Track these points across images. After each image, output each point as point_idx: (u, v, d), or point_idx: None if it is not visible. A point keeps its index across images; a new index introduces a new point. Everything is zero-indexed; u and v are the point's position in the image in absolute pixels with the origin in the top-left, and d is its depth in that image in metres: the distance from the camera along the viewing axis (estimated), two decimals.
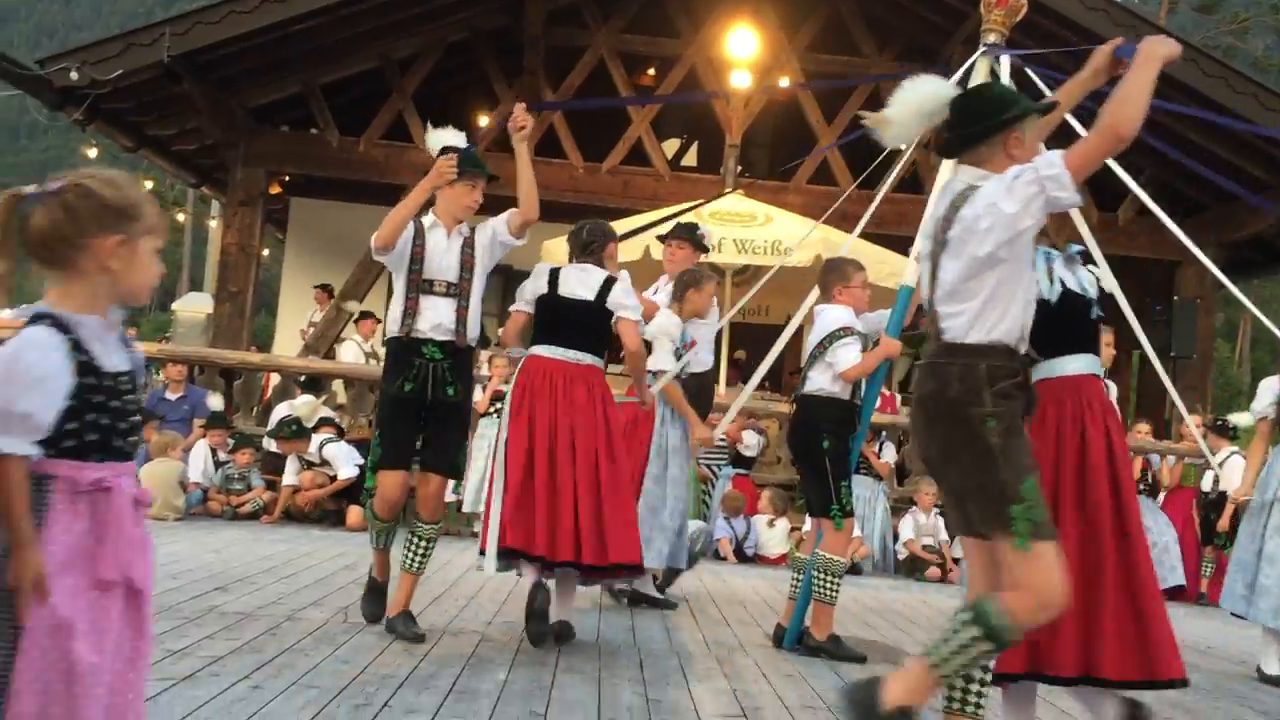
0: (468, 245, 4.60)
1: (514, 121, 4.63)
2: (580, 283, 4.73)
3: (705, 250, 6.39)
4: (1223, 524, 9.13)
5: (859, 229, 6.22)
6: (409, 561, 4.58)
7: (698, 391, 5.93)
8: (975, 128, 3.05)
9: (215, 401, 9.21)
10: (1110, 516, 3.36)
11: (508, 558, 4.46)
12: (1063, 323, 3.51)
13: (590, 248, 4.81)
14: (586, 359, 4.68)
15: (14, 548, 1.84)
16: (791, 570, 5.33)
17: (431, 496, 4.59)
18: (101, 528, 2.02)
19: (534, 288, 4.80)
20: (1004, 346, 2.94)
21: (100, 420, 1.99)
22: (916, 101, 3.16)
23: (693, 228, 6.35)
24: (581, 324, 4.69)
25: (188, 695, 3.27)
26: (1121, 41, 3.37)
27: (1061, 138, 3.43)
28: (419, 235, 4.53)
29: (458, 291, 4.54)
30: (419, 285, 4.51)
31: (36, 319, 1.96)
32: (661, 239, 6.44)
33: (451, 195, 4.60)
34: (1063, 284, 3.55)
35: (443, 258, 4.54)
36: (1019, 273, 2.94)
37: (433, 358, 4.49)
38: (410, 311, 4.48)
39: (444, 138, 4.71)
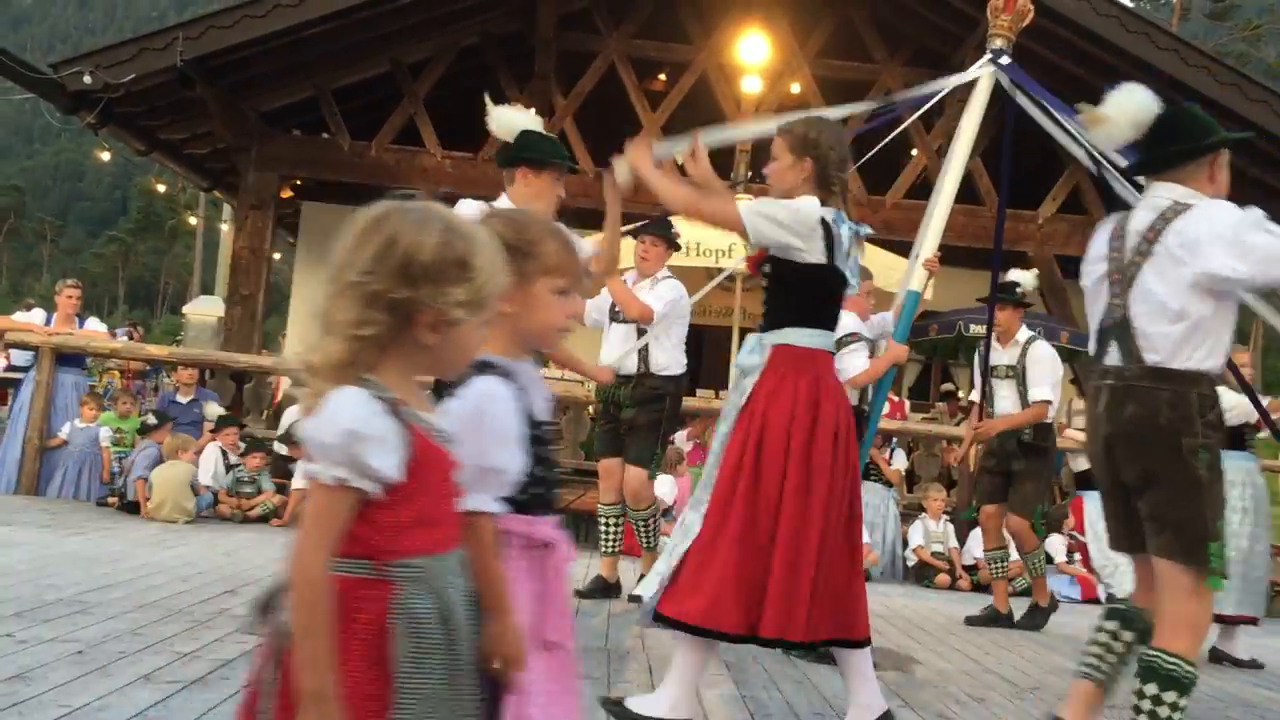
0: None
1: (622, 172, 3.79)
2: None
3: (677, 248, 6.33)
4: None
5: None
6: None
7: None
8: (1184, 146, 3.05)
9: (212, 409, 9.17)
10: (844, 491, 3.34)
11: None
12: (821, 294, 3.43)
13: None
14: None
15: (497, 613, 1.67)
16: None
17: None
18: (546, 587, 1.92)
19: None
20: (1211, 375, 2.92)
21: (542, 472, 1.90)
22: (1132, 109, 3.17)
23: (666, 224, 6.16)
24: None
25: (199, 698, 3.27)
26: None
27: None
28: None
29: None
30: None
31: (483, 368, 1.82)
32: (633, 235, 6.09)
33: (537, 192, 4.24)
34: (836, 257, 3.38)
35: None
36: (1233, 306, 2.94)
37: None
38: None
39: (514, 119, 4.36)
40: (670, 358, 6.03)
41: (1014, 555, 8.36)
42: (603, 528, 6.19)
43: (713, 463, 3.46)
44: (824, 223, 3.34)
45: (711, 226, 3.50)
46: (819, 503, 3.27)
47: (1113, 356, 3.20)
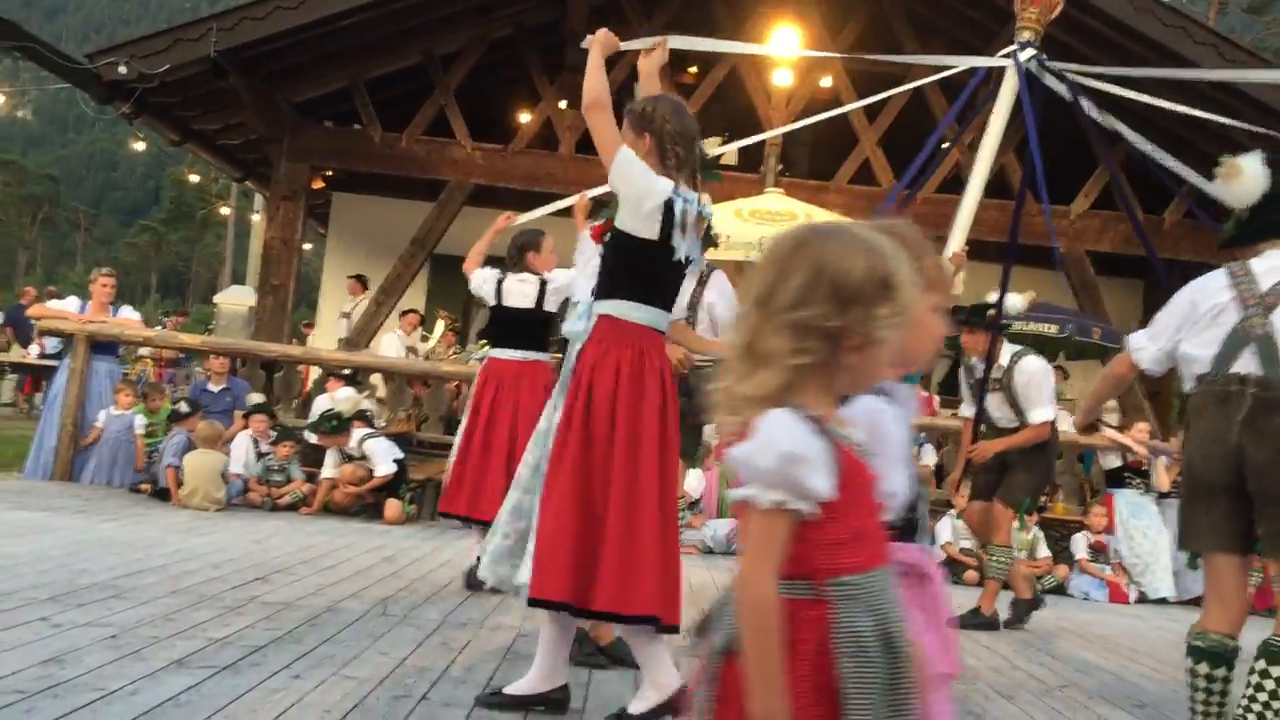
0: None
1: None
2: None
3: (715, 245, 5.89)
4: None
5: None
6: None
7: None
8: None
9: (255, 397, 9.29)
10: (656, 467, 3.33)
11: None
12: (653, 271, 3.42)
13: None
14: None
15: None
16: None
17: None
18: (930, 616, 1.91)
19: None
20: None
21: (914, 497, 1.93)
22: (1259, 177, 3.53)
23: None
24: None
25: (230, 684, 3.30)
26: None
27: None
28: None
29: None
30: None
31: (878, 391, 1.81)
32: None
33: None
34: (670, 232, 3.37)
35: None
36: None
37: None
38: None
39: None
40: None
41: (1016, 554, 8.32)
42: None
43: (546, 431, 3.49)
44: (667, 203, 3.35)
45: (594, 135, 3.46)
46: (648, 477, 3.27)
47: (1246, 365, 3.43)
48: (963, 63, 5.68)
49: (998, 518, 6.31)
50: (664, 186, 3.37)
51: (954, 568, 8.77)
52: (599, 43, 3.71)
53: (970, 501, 6.53)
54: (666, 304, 3.50)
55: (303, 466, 8.74)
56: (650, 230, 3.36)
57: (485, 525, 4.75)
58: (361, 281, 13.68)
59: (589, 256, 4.01)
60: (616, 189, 3.42)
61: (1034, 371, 6.15)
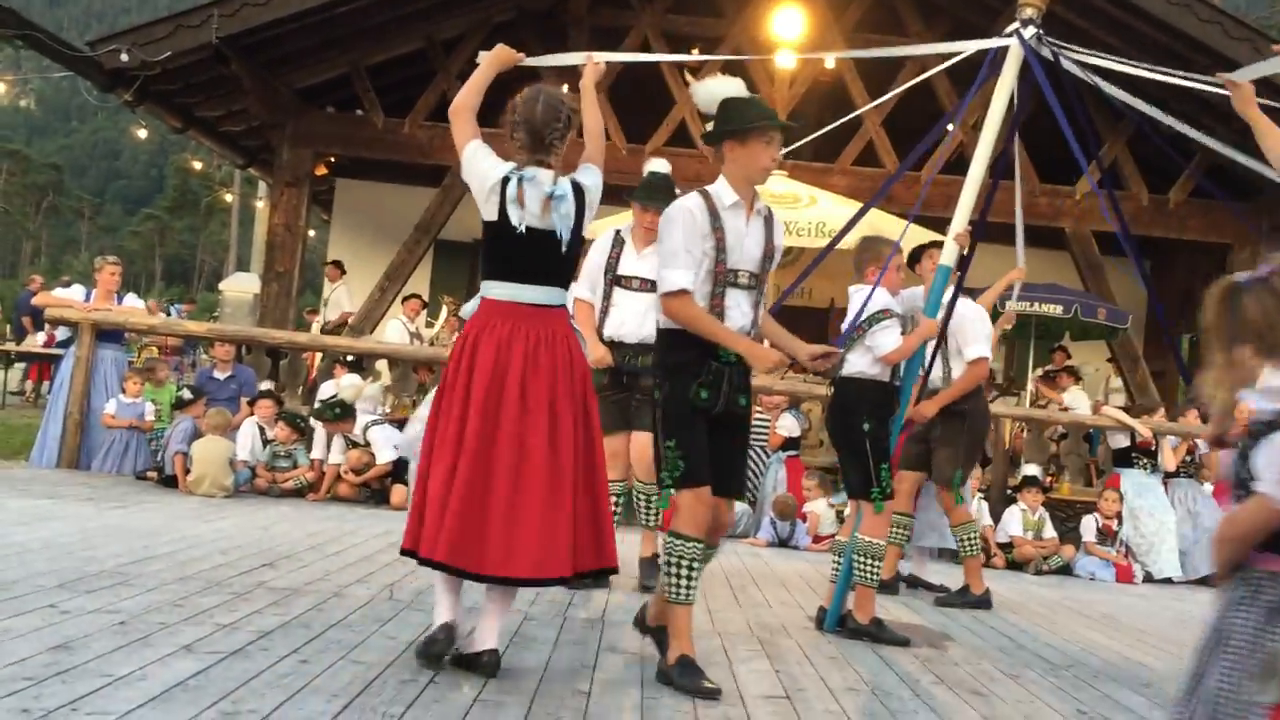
0: (769, 225, 3.97)
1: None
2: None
3: None
4: None
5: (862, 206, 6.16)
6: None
7: None
8: None
9: (265, 386, 9.29)
10: (568, 442, 3.55)
11: None
12: (501, 249, 3.64)
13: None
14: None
15: None
16: (832, 553, 5.32)
17: (722, 523, 3.94)
18: None
19: None
20: None
21: None
22: None
23: (670, 186, 5.55)
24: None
25: (239, 668, 3.31)
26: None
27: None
28: (715, 217, 3.82)
29: (757, 283, 3.92)
30: (724, 278, 3.82)
31: None
32: (637, 200, 5.59)
33: (745, 156, 3.88)
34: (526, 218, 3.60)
35: (743, 243, 3.88)
36: None
37: (727, 362, 3.82)
38: (716, 310, 3.81)
39: (713, 90, 3.97)
40: None
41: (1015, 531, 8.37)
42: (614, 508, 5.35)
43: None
44: (502, 181, 3.62)
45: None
46: (537, 442, 3.49)
47: None
48: (969, 47, 5.63)
49: (941, 500, 6.33)
50: (498, 170, 3.65)
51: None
52: (492, 58, 4.06)
53: (900, 471, 6.25)
54: (547, 280, 3.67)
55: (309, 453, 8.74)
56: (490, 212, 3.64)
57: None
58: (339, 266, 13.71)
59: None
60: (466, 177, 3.76)
61: (969, 313, 6.07)
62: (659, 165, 5.72)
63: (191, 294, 55.13)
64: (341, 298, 13.82)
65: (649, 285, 5.33)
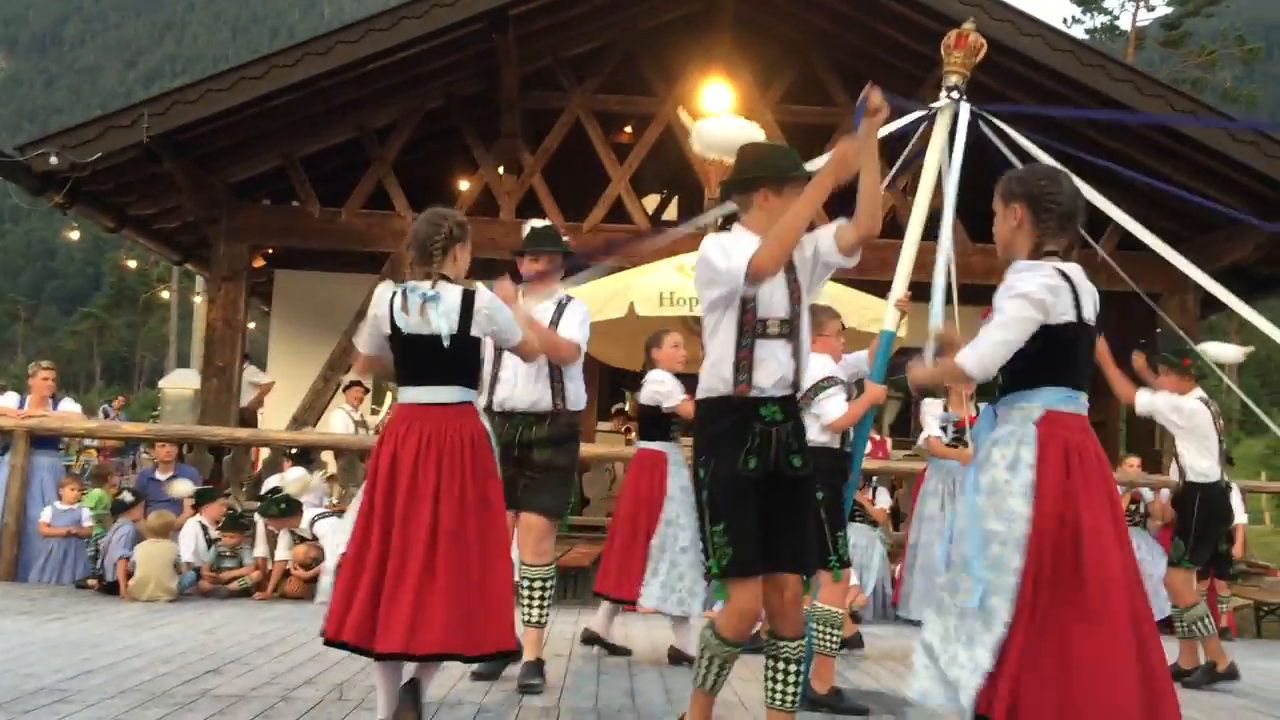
0: (790, 271, 3.72)
1: (871, 105, 4.02)
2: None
3: (570, 254, 5.60)
4: (1236, 552, 9.22)
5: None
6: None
7: None
8: None
9: (182, 487, 8.95)
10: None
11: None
12: (416, 357, 3.92)
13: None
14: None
15: None
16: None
17: (791, 602, 3.62)
18: None
19: None
20: None
21: None
22: None
23: (555, 235, 5.49)
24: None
25: None
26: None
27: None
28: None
29: (791, 330, 3.68)
30: (752, 328, 3.59)
31: None
32: (526, 251, 5.34)
33: (780, 206, 3.73)
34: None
35: (772, 291, 3.66)
36: None
37: (773, 421, 3.60)
38: (745, 362, 3.56)
39: (728, 133, 4.12)
40: (580, 389, 5.28)
41: None
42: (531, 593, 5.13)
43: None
44: (390, 296, 3.92)
45: None
46: (417, 526, 3.75)
47: None
48: (910, 115, 5.76)
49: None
50: (382, 296, 3.97)
51: None
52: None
53: None
54: (439, 379, 3.92)
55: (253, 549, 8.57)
56: (385, 326, 3.95)
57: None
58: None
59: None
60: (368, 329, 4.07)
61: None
62: (539, 222, 5.62)
63: (131, 392, 54.34)
64: (252, 376, 13.59)
65: None
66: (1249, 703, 5.83)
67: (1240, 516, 9.41)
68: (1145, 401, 6.36)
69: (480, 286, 4.01)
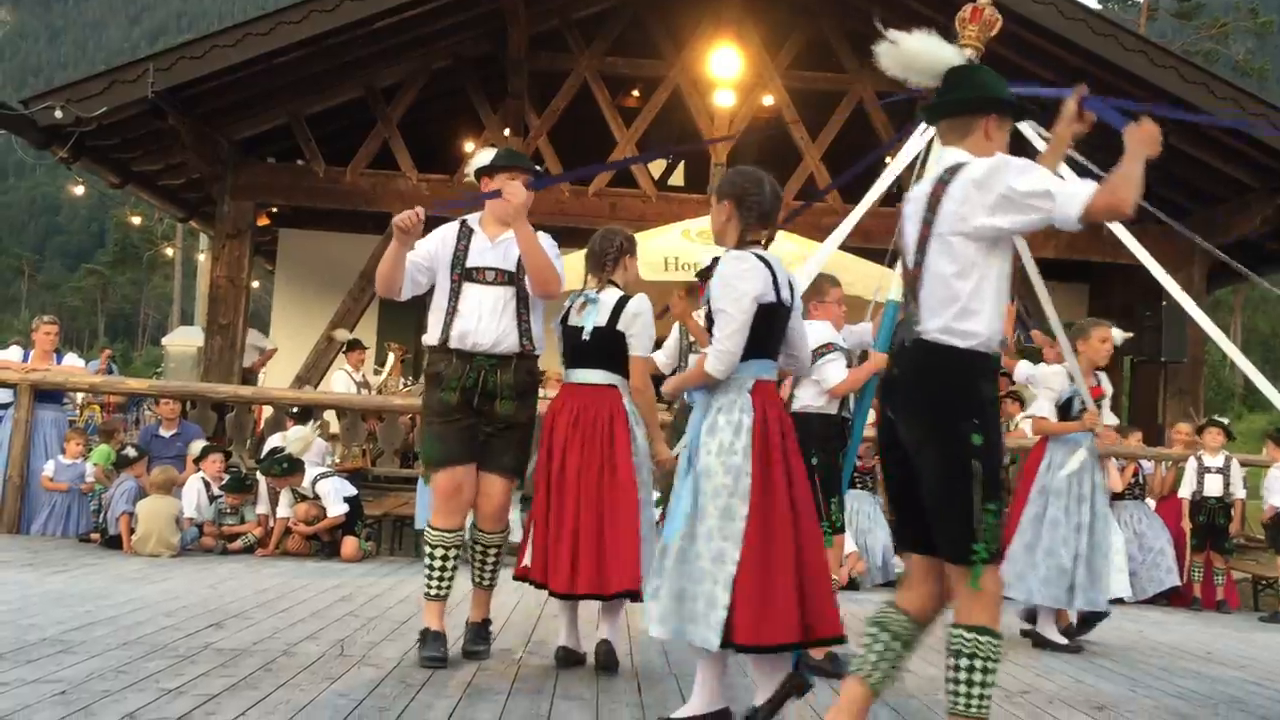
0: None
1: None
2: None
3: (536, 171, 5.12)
4: (1234, 528, 9.43)
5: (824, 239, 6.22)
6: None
7: None
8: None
9: (195, 447, 8.98)
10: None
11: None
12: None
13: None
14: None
15: None
16: None
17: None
18: None
19: None
20: None
21: None
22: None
23: (525, 156, 5.17)
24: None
25: None
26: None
27: None
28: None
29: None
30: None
31: None
32: (485, 171, 4.79)
33: (1000, 139, 3.40)
34: None
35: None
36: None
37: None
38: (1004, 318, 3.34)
39: (934, 52, 3.66)
40: (540, 330, 4.77)
41: None
42: (438, 562, 4.62)
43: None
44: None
45: None
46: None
47: None
48: (914, 86, 5.70)
49: None
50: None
51: None
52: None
53: None
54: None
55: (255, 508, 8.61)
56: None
57: None
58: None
59: None
60: None
61: None
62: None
63: (134, 349, 54.38)
64: (255, 341, 13.62)
65: (505, 278, 4.62)
66: (1244, 675, 5.87)
67: (1239, 492, 9.44)
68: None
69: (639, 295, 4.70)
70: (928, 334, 3.17)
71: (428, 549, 4.61)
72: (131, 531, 7.80)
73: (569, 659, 4.67)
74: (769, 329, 3.68)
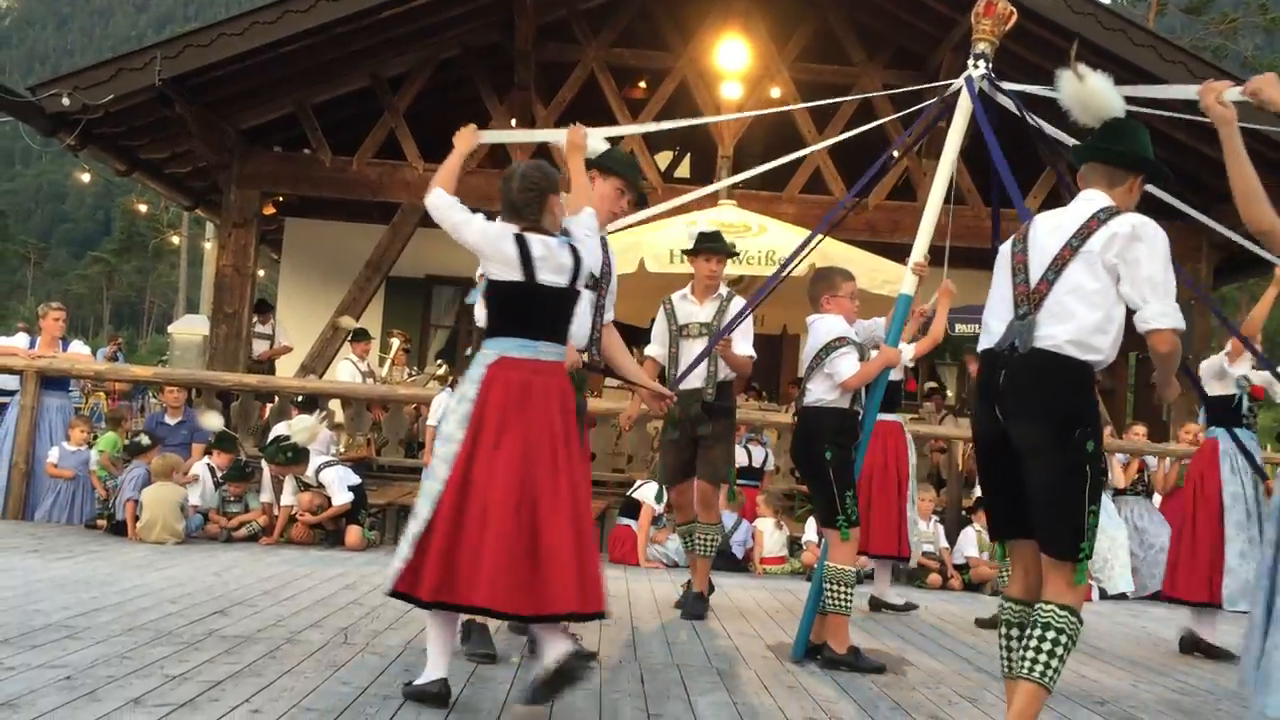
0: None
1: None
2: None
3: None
4: None
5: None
6: None
7: None
8: None
9: (212, 420, 9.02)
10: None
11: None
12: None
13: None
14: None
15: None
16: (809, 581, 5.33)
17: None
18: None
19: None
20: None
21: None
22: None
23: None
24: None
25: None
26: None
27: None
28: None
29: None
30: None
31: None
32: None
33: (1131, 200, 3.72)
34: None
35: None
36: None
37: None
38: None
39: (1103, 96, 3.72)
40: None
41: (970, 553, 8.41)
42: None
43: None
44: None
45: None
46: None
47: None
48: (923, 90, 5.73)
49: (706, 498, 6.17)
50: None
51: (916, 571, 8.81)
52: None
53: (673, 484, 6.29)
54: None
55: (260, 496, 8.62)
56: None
57: None
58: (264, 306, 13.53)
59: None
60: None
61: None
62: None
63: (140, 337, 54.45)
64: (281, 337, 13.56)
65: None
66: None
67: None
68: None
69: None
70: (1052, 344, 3.37)
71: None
72: (137, 519, 7.82)
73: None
74: (518, 308, 3.79)
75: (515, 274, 3.75)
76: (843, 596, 4.93)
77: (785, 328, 13.09)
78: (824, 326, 5.16)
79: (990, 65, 5.34)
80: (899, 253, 6.32)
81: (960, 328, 12.56)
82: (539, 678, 3.49)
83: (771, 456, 9.73)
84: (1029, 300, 3.46)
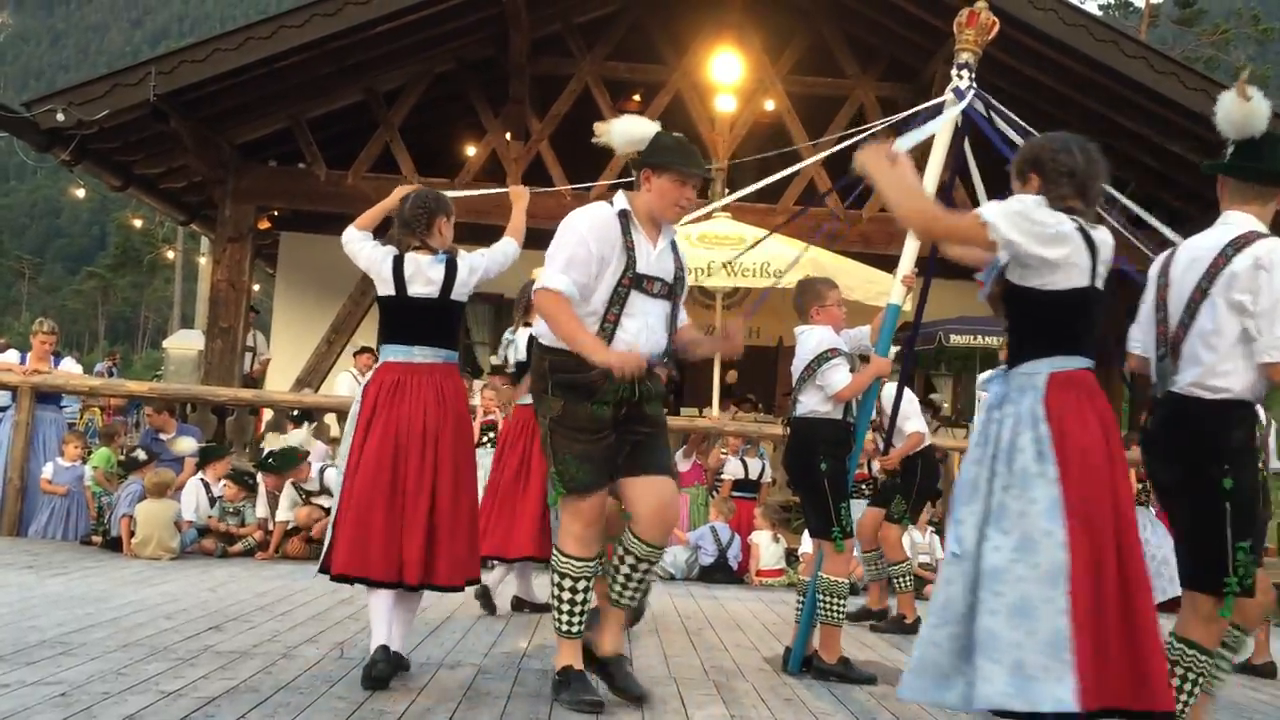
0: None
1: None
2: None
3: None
4: None
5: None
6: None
7: None
8: None
9: (185, 445, 9.00)
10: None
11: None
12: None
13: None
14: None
15: None
16: (797, 593, 5.32)
17: None
18: None
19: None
20: None
21: None
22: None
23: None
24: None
25: None
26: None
27: None
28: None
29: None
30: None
31: None
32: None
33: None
34: None
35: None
36: None
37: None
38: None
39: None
40: None
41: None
42: (580, 595, 3.99)
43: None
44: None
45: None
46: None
47: None
48: (920, 111, 5.75)
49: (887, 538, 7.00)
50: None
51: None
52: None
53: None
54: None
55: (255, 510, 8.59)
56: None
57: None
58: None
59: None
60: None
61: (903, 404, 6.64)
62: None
63: (134, 352, 54.36)
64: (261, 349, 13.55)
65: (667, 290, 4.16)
66: (1243, 679, 5.86)
67: None
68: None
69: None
70: (1180, 387, 3.49)
71: (568, 582, 3.94)
72: (132, 534, 7.80)
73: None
74: (394, 318, 4.43)
75: (390, 289, 4.39)
76: (835, 607, 4.93)
77: (781, 340, 13.09)
78: (814, 338, 5.16)
79: (974, 75, 5.36)
80: (893, 265, 6.33)
81: (955, 339, 12.57)
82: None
83: (769, 469, 9.73)
84: (1166, 343, 3.57)
